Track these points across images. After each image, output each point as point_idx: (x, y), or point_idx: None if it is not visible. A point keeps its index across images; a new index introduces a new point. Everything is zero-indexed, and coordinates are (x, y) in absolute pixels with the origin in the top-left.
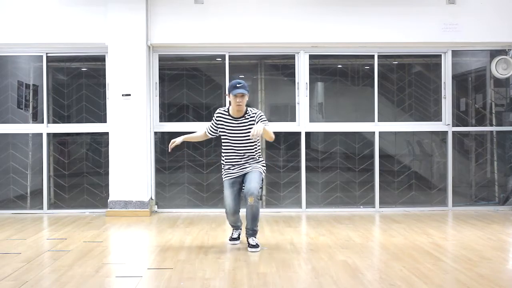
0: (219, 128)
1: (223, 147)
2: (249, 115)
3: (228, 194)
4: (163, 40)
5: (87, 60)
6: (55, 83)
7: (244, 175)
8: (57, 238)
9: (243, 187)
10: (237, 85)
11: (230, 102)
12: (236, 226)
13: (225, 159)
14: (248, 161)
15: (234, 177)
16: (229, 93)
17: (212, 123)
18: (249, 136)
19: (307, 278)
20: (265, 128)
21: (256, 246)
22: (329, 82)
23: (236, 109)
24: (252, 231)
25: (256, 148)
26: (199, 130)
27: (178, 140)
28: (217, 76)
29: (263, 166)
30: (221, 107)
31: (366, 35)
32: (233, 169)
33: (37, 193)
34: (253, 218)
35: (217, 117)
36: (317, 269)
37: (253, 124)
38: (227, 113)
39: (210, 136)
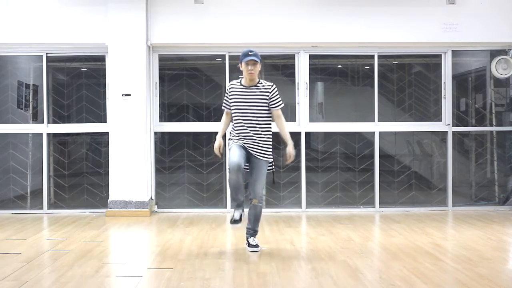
0: (231, 99)
1: (233, 121)
2: (263, 86)
3: (234, 152)
4: (163, 40)
5: (87, 60)
6: (55, 83)
7: (250, 157)
8: (57, 238)
9: (246, 166)
10: (249, 53)
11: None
12: (237, 200)
13: (234, 132)
14: (255, 138)
15: (242, 143)
16: (240, 62)
17: (225, 97)
18: (259, 106)
19: (307, 278)
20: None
21: (256, 246)
22: (329, 82)
23: (248, 77)
24: (253, 231)
25: (267, 124)
26: (223, 118)
27: (221, 141)
28: (217, 76)
29: (267, 152)
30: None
31: (366, 35)
32: (241, 139)
33: (37, 193)
34: (256, 219)
35: (230, 88)
36: (317, 269)
37: (266, 96)
38: (239, 83)
39: (227, 109)
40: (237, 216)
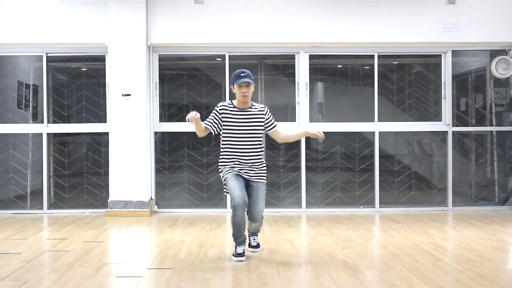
0: (224, 123)
1: (224, 146)
2: (256, 108)
3: (234, 185)
4: (163, 40)
5: (87, 60)
6: (55, 83)
7: (248, 182)
8: (57, 238)
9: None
10: (242, 74)
11: (235, 94)
12: (240, 237)
13: (227, 159)
14: (252, 162)
15: (237, 172)
16: (233, 84)
17: (214, 117)
18: (255, 130)
19: (307, 278)
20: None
21: (257, 246)
22: (329, 82)
23: (242, 100)
24: (254, 230)
25: (261, 146)
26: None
27: (195, 115)
28: (217, 76)
29: (264, 174)
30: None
31: (366, 35)
32: (235, 168)
33: (37, 193)
34: (257, 231)
35: (220, 109)
36: (317, 269)
37: (262, 119)
38: (232, 106)
39: (210, 131)
40: (240, 250)
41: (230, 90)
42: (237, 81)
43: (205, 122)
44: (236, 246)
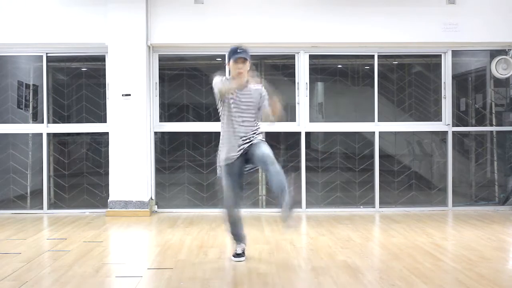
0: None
1: (223, 123)
2: (254, 86)
3: (228, 184)
4: (163, 40)
5: (87, 60)
6: (55, 83)
7: (245, 154)
8: (57, 238)
9: (245, 168)
10: (238, 50)
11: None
12: (238, 236)
13: (225, 139)
14: (249, 137)
15: (234, 160)
16: (228, 60)
17: (222, 79)
18: (255, 107)
19: (307, 278)
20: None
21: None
22: (329, 82)
23: (236, 78)
24: (279, 183)
25: (257, 125)
26: (216, 83)
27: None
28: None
29: (261, 137)
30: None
31: (366, 35)
32: (232, 152)
33: (37, 193)
34: (282, 186)
35: (224, 80)
36: (317, 269)
37: (260, 96)
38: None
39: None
40: (239, 250)
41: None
42: (234, 56)
43: (220, 82)
44: (236, 247)
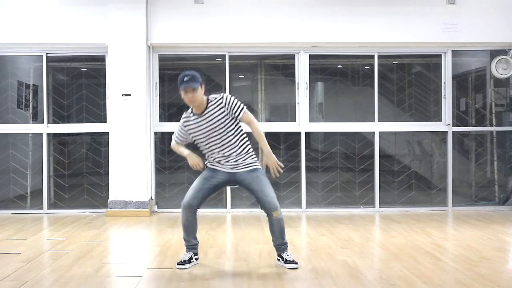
0: (189, 132)
1: (202, 150)
2: (214, 104)
3: (198, 186)
4: (163, 40)
5: (87, 60)
6: (55, 83)
7: (237, 177)
8: (57, 238)
9: (233, 186)
10: (185, 78)
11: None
12: (188, 242)
13: (210, 157)
14: (236, 155)
15: (220, 172)
16: (179, 89)
17: (179, 129)
18: (224, 127)
19: (307, 278)
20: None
21: (294, 262)
22: (329, 82)
23: (191, 106)
24: (284, 246)
25: (238, 136)
26: (172, 145)
27: (194, 156)
28: (217, 76)
29: (253, 161)
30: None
31: (366, 35)
32: (221, 164)
33: (37, 193)
34: (281, 232)
35: (184, 122)
36: (317, 269)
37: (223, 111)
38: (191, 113)
39: (181, 143)
40: (185, 258)
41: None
42: (181, 86)
43: (176, 136)
44: (184, 253)
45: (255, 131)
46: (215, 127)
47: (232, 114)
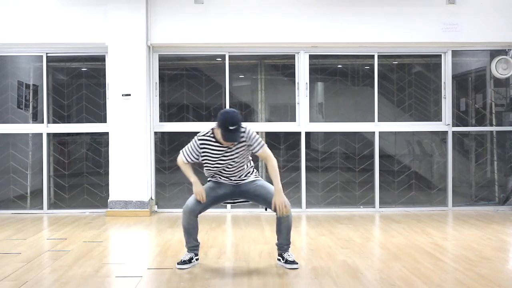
0: (203, 155)
1: (207, 172)
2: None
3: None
4: (163, 40)
5: (87, 60)
6: (55, 83)
7: (240, 187)
8: (57, 238)
9: (235, 200)
10: (230, 128)
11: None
12: (189, 244)
13: (216, 176)
14: (239, 176)
15: (225, 184)
16: (219, 130)
17: (193, 148)
18: (240, 157)
19: (307, 278)
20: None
21: (295, 262)
22: (329, 82)
23: (225, 144)
24: (287, 246)
25: (249, 165)
26: (182, 166)
27: (199, 186)
28: (217, 76)
29: (256, 176)
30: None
31: (366, 35)
32: (227, 180)
33: (37, 193)
34: (288, 231)
35: (201, 143)
36: (317, 269)
37: (244, 144)
38: (213, 138)
39: (190, 162)
40: (185, 258)
41: (231, 93)
42: (225, 137)
43: (187, 155)
44: (185, 253)
45: (270, 167)
46: (235, 158)
47: (251, 147)
